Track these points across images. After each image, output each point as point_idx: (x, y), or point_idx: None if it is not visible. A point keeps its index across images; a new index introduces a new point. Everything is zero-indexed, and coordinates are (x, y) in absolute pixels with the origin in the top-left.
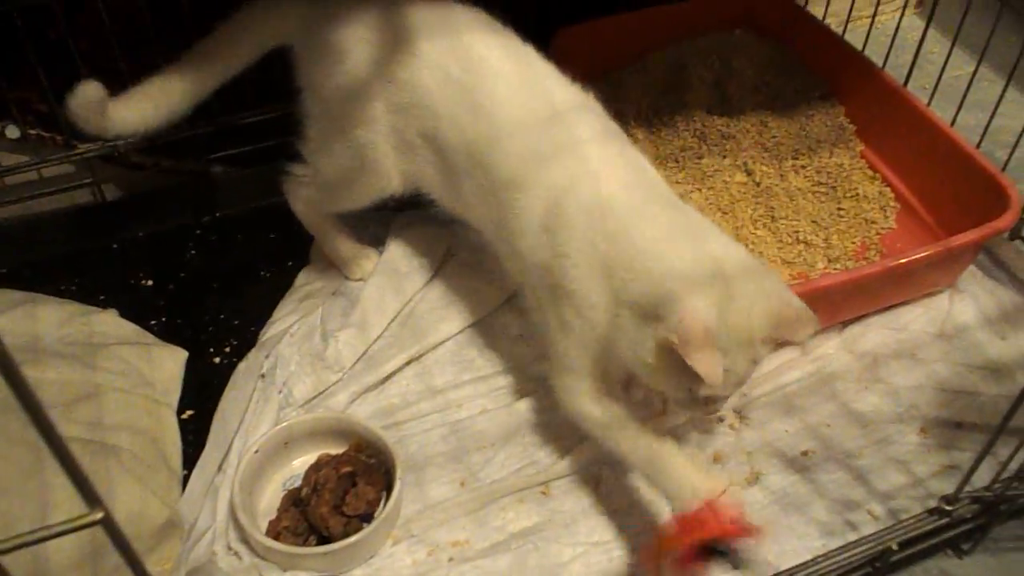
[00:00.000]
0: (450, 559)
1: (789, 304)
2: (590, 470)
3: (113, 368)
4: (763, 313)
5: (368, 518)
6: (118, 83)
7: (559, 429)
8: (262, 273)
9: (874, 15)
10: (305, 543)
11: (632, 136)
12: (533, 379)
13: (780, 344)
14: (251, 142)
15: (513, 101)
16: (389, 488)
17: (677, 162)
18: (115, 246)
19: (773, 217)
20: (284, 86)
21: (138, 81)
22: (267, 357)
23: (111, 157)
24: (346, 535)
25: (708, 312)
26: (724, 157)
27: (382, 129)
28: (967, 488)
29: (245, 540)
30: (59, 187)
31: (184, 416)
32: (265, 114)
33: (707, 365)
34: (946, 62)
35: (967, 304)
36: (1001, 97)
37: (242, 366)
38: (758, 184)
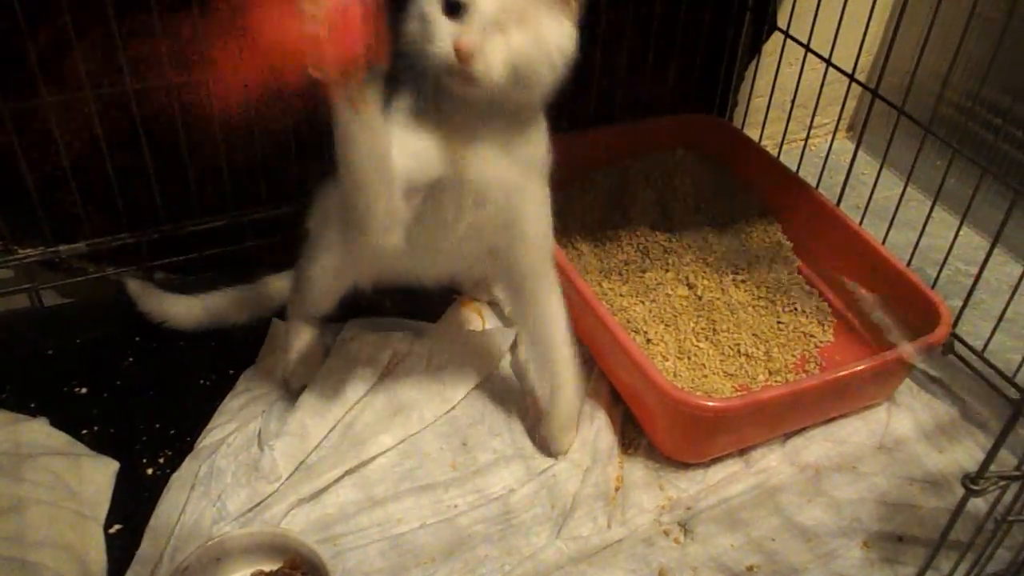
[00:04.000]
0: None
1: None
2: None
3: (39, 480)
4: None
5: None
6: (67, 194)
7: (502, 544)
8: (201, 381)
9: (807, 138)
10: None
11: (577, 250)
12: (475, 491)
13: None
14: (195, 250)
15: None
16: None
17: (621, 275)
18: (50, 352)
19: (715, 330)
20: (229, 197)
21: (89, 198)
22: (201, 467)
23: (52, 263)
24: None
25: None
26: (667, 271)
27: None
28: None
29: None
30: None
31: (112, 530)
32: (209, 223)
33: None
34: (875, 183)
35: (904, 417)
36: (928, 217)
37: (175, 476)
38: (700, 297)
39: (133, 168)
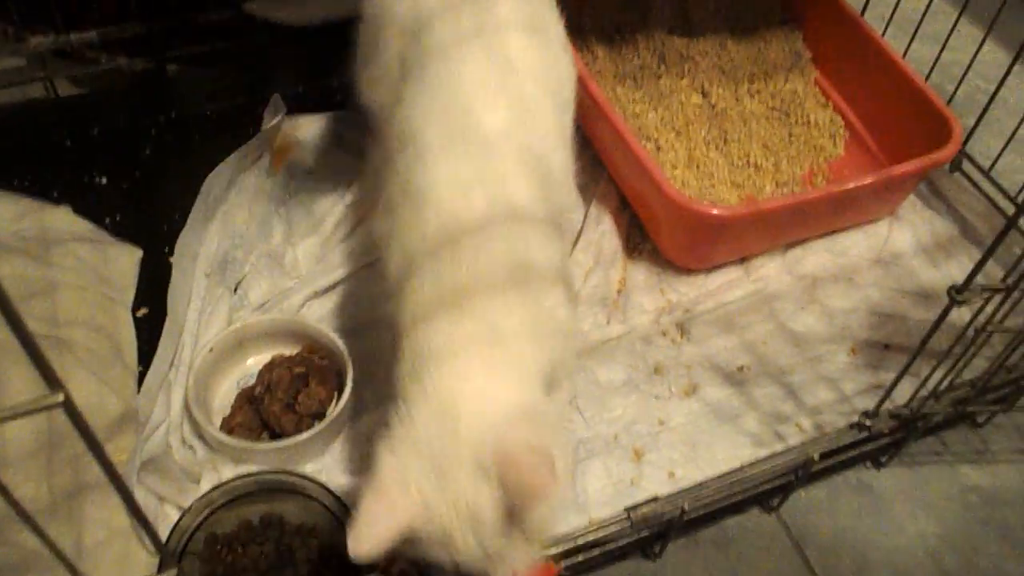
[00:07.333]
0: None
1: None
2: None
3: (68, 264)
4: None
5: (319, 416)
6: None
7: None
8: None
9: None
10: (258, 439)
11: (592, 52)
12: None
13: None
14: (208, 42)
15: None
16: (341, 388)
17: (635, 80)
18: (68, 143)
19: (726, 140)
20: None
21: None
22: (213, 251)
23: (64, 52)
24: (298, 432)
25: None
26: (682, 78)
27: None
28: (887, 405)
29: (199, 434)
30: (10, 80)
31: (138, 314)
32: (222, 13)
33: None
34: None
35: (905, 232)
36: (952, 30)
37: (181, 247)
38: (713, 106)
39: None
